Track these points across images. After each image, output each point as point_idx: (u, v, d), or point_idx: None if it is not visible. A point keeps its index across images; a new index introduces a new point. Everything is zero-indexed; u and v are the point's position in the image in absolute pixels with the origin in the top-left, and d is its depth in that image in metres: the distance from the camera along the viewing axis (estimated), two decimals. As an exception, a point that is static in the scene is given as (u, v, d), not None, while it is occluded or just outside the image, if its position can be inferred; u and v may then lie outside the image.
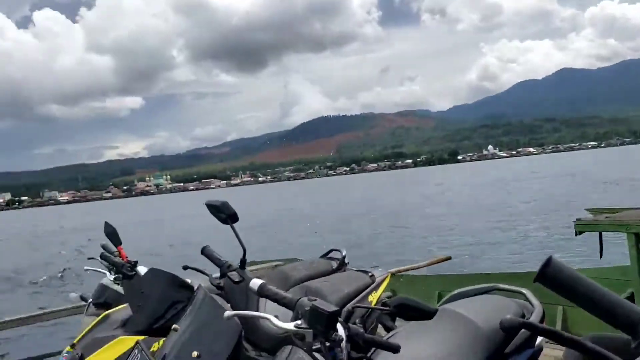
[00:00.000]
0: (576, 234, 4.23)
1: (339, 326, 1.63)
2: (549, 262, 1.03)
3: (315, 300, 1.65)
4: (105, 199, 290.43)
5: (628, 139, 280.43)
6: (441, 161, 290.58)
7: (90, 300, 3.69)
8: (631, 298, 3.93)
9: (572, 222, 4.64)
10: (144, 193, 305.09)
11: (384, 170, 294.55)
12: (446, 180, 76.80)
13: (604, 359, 1.09)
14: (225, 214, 2.78)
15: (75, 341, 2.81)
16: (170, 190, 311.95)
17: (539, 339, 2.11)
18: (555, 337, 1.16)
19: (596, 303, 1.03)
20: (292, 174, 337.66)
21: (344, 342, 1.62)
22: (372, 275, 3.55)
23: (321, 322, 1.58)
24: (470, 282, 2.71)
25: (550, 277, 1.03)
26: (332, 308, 1.59)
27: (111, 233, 3.44)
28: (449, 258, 6.70)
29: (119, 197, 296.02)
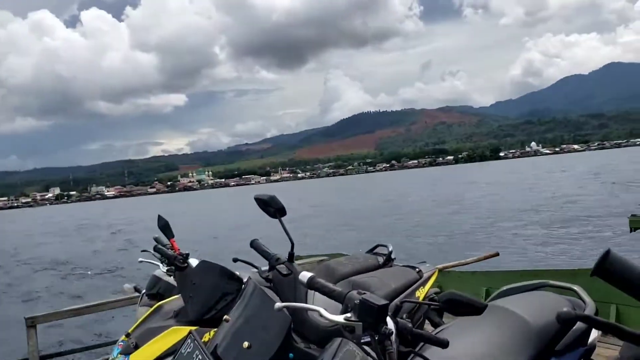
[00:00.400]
0: (631, 230, 4.04)
1: (388, 320, 1.64)
2: (607, 254, 1.00)
3: (365, 293, 1.67)
4: (150, 194, 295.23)
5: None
6: (483, 158, 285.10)
7: (143, 291, 3.79)
8: None
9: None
10: (186, 188, 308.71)
11: (425, 166, 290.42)
12: (479, 179, 75.34)
13: None
14: (273, 208, 2.82)
15: (130, 331, 2.89)
16: (212, 186, 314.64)
17: (592, 337, 2.08)
18: (614, 331, 1.12)
19: None
20: (331, 170, 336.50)
21: (393, 335, 1.63)
22: (420, 271, 3.53)
23: (371, 315, 1.60)
24: (519, 278, 2.69)
25: (608, 270, 1.00)
26: (382, 301, 1.61)
27: (164, 226, 3.51)
28: (497, 254, 6.47)
29: (163, 192, 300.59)
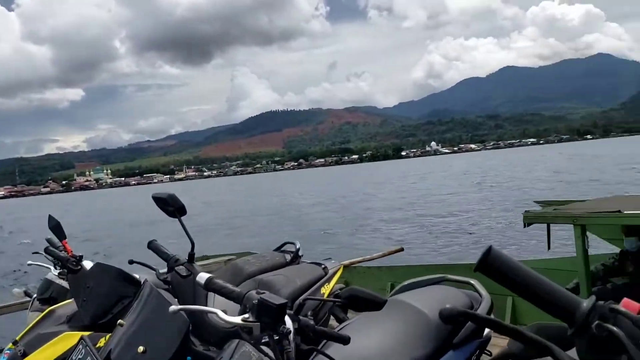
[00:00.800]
0: (525, 226, 4.30)
1: (287, 318, 1.63)
2: (488, 251, 1.02)
3: (264, 293, 1.66)
4: (43, 193, 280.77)
5: (565, 136, 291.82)
6: (386, 157, 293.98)
7: (34, 295, 3.62)
8: (576, 289, 4.03)
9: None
10: (83, 188, 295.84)
11: (331, 165, 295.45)
12: (376, 179, 77.86)
13: (542, 347, 1.10)
14: (172, 207, 2.73)
15: (17, 338, 2.74)
16: (111, 185, 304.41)
17: (487, 329, 2.17)
18: (495, 327, 1.17)
19: (534, 292, 1.04)
20: (239, 169, 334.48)
21: (291, 334, 1.63)
22: (325, 268, 3.58)
23: (269, 315, 1.59)
24: (422, 273, 2.76)
25: (489, 267, 1.03)
26: (280, 300, 1.60)
27: (55, 227, 3.36)
28: (402, 249, 6.78)
29: (58, 191, 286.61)
